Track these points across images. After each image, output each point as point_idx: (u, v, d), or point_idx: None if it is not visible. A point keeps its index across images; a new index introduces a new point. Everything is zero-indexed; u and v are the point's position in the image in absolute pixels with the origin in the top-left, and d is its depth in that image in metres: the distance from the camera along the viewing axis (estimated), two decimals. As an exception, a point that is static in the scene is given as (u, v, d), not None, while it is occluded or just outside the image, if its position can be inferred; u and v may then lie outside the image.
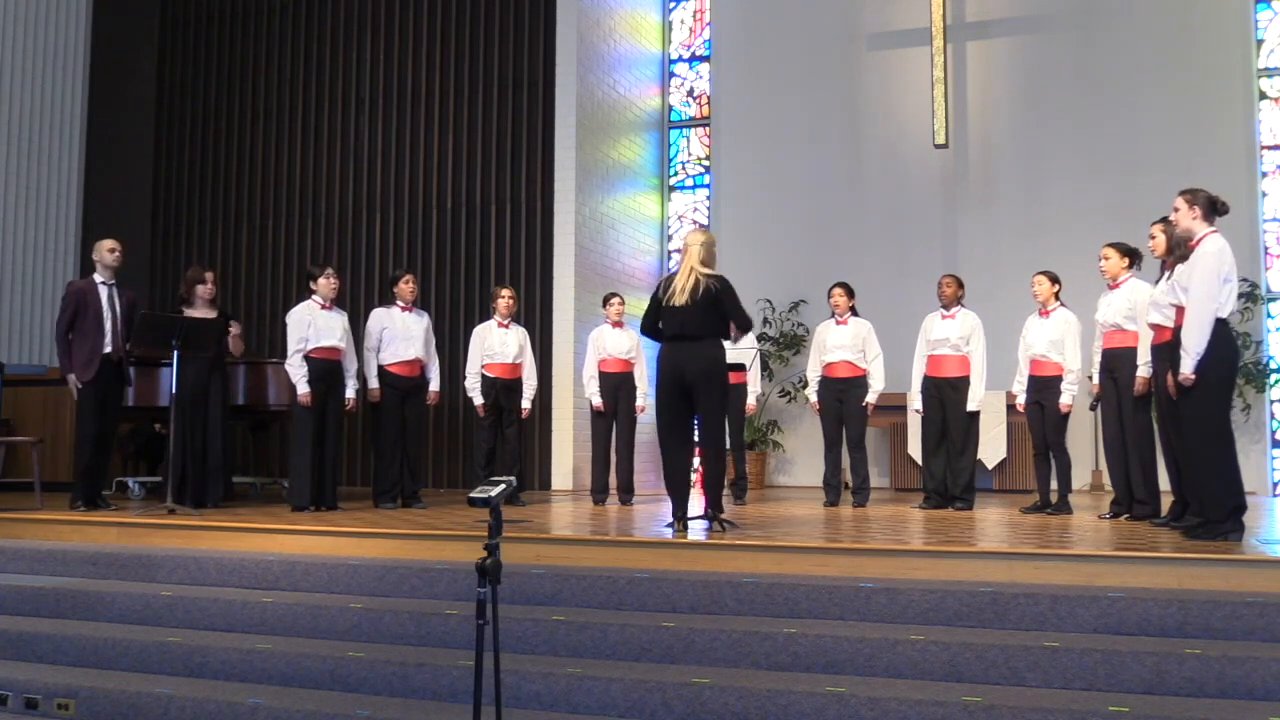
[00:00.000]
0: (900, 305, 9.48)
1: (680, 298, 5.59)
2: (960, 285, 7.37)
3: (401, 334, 7.27)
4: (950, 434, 7.16)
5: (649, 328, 5.83)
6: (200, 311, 7.22)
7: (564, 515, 6.82)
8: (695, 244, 5.70)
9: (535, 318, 9.83)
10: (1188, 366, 4.89)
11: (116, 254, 6.96)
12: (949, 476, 7.17)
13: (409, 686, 4.22)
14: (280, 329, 7.56)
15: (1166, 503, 6.00)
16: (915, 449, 9.29)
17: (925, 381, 7.29)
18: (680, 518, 5.58)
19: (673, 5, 12.07)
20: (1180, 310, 5.11)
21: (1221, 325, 4.92)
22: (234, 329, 7.53)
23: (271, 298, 10.85)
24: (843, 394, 7.59)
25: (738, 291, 5.71)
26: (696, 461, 6.03)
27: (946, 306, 7.31)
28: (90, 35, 11.20)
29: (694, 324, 5.58)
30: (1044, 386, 6.78)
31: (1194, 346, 4.88)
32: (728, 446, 7.27)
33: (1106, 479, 7.82)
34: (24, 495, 7.71)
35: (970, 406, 7.12)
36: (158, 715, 4.24)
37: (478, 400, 7.74)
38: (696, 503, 6.05)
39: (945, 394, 7.18)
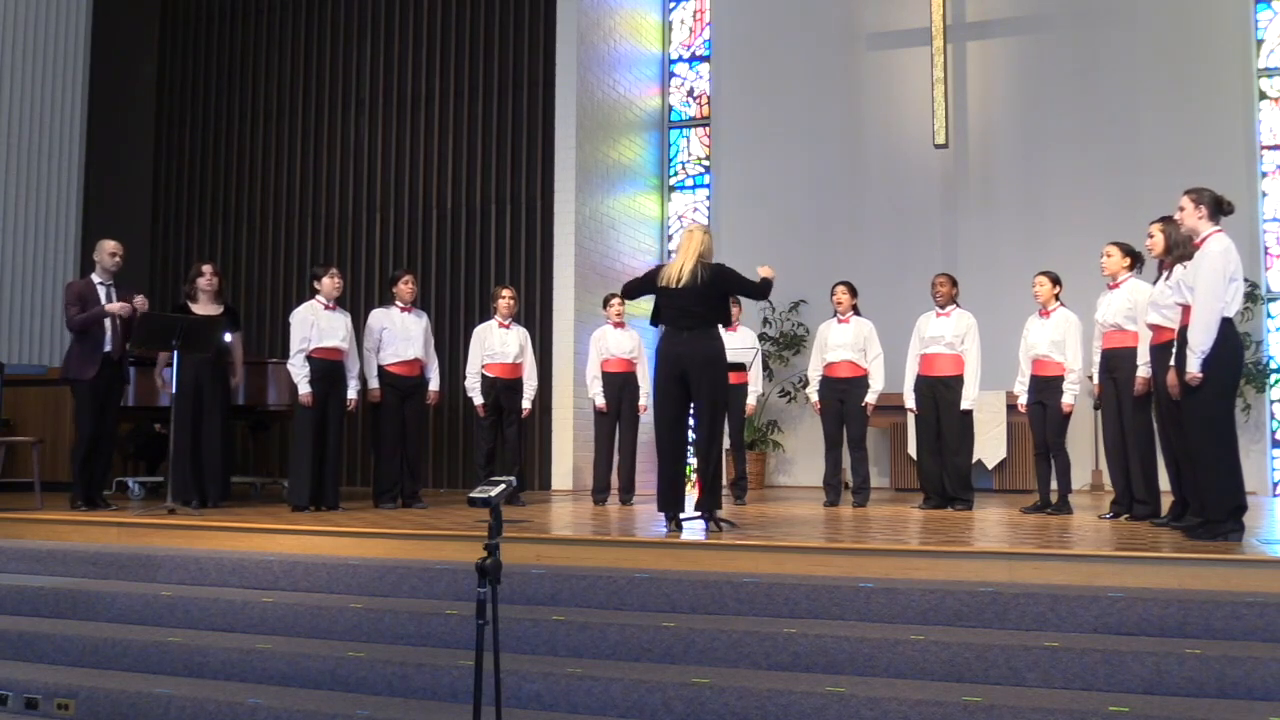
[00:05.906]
0: (900, 305, 9.45)
1: (681, 280, 5.61)
2: (955, 284, 7.37)
3: (401, 334, 7.28)
4: (944, 433, 7.15)
5: (632, 293, 6.03)
6: (205, 306, 7.23)
7: (564, 515, 6.82)
8: (699, 231, 5.76)
9: (535, 318, 9.83)
10: (1194, 365, 4.88)
11: (118, 258, 6.94)
12: (945, 476, 7.17)
13: (409, 686, 4.22)
14: (280, 329, 7.56)
15: (1166, 503, 6.00)
16: (915, 449, 9.27)
17: (918, 380, 7.28)
18: (670, 515, 5.57)
19: (673, 5, 12.07)
20: (1185, 309, 5.11)
21: (1227, 325, 4.92)
22: (236, 377, 7.42)
23: (271, 298, 10.84)
24: (844, 394, 7.58)
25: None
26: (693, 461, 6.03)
27: (941, 305, 7.30)
28: (90, 35, 11.19)
29: (694, 308, 5.61)
30: (1046, 386, 6.78)
31: (1200, 345, 4.87)
32: (726, 445, 7.26)
33: (1106, 479, 7.82)
34: (24, 495, 7.71)
35: (964, 405, 7.12)
36: (158, 715, 4.24)
37: (478, 400, 7.75)
38: (690, 502, 6.02)
39: (939, 393, 7.17)
